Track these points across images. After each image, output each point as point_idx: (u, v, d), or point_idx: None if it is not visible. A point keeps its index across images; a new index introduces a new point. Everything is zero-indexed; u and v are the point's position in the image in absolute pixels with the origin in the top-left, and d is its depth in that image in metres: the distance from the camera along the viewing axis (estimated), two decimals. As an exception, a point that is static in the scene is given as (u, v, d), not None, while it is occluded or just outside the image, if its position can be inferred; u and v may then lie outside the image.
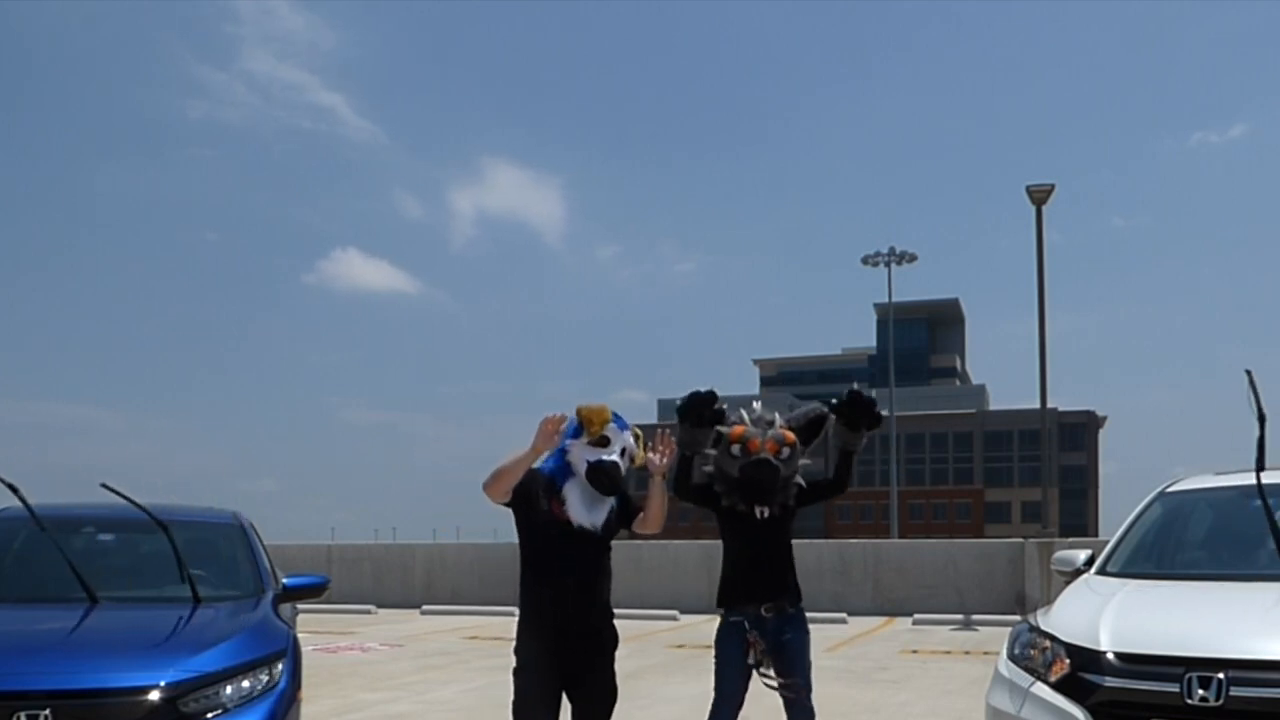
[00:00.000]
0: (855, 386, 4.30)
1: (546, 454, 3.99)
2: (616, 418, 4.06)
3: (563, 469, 4.00)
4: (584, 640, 3.97)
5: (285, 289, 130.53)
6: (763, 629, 4.12)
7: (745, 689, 4.16)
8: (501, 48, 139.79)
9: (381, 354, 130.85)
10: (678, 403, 4.19)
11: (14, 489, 4.84)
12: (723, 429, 4.19)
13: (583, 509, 3.96)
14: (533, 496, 3.98)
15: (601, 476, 3.93)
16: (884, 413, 4.36)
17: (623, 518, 4.12)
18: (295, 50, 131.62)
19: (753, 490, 4.10)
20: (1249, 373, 4.48)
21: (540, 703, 3.96)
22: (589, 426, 3.98)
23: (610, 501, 4.04)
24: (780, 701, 4.19)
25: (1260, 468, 4.49)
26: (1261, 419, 4.43)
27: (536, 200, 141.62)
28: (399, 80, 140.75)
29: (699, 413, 4.11)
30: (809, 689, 4.16)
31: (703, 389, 4.14)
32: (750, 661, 4.11)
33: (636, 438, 4.10)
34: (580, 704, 4.04)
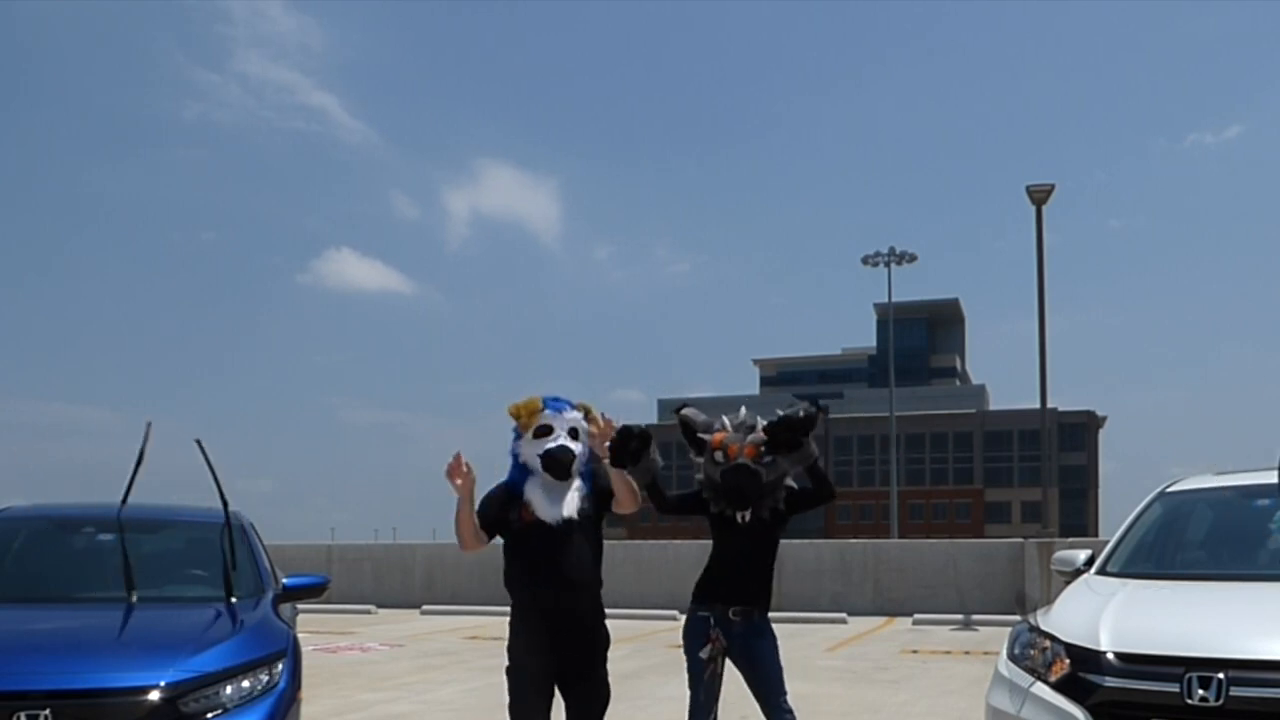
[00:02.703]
0: (764, 424, 4.15)
1: (462, 488, 3.96)
2: (553, 401, 4.04)
3: (521, 473, 4.01)
4: (576, 638, 3.97)
5: (280, 289, 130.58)
6: (728, 630, 4.14)
7: (720, 681, 4.19)
8: (495, 48, 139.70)
9: (378, 354, 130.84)
10: (605, 460, 4.03)
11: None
12: (705, 436, 4.20)
13: (546, 504, 3.95)
14: (504, 516, 4.00)
15: (553, 464, 3.93)
16: (806, 410, 4.13)
17: (599, 502, 4.07)
18: (287, 52, 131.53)
19: (732, 495, 4.11)
20: None
21: (533, 702, 3.96)
22: (519, 423, 4.00)
23: (577, 490, 3.99)
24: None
25: None
26: None
27: (531, 201, 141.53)
28: (392, 81, 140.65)
29: (628, 453, 3.97)
30: (784, 691, 4.18)
31: (615, 434, 3.96)
32: (704, 655, 4.13)
33: (587, 412, 4.06)
34: (574, 704, 4.03)
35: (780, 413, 4.15)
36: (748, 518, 4.15)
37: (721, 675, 4.20)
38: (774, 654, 4.20)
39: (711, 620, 4.16)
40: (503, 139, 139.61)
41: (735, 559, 4.20)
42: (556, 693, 4.05)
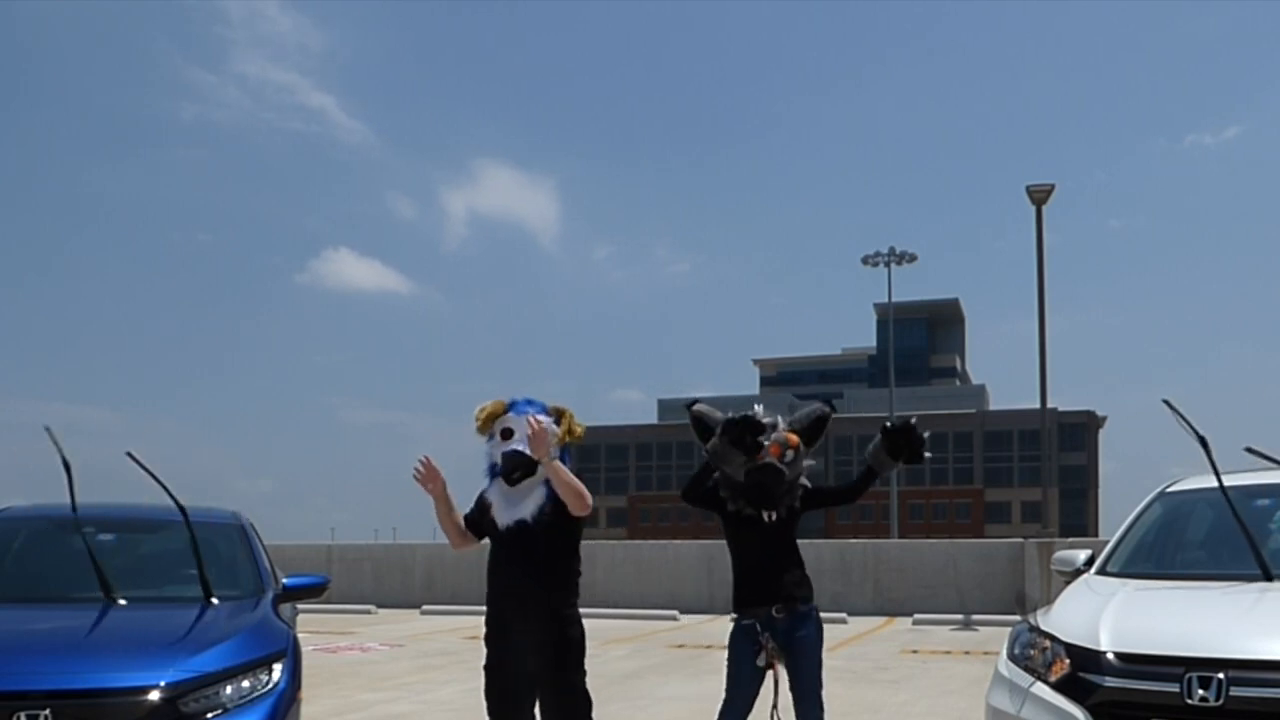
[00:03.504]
0: (914, 419, 4.31)
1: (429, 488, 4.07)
2: (522, 404, 4.02)
3: (490, 475, 4.04)
4: (531, 643, 3.92)
5: (279, 289, 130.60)
6: (774, 630, 4.12)
7: (756, 693, 4.18)
8: (493, 48, 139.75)
9: (378, 354, 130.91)
10: (730, 414, 4.10)
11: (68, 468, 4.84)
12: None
13: (503, 507, 3.97)
14: (481, 518, 4.05)
15: (507, 467, 3.94)
16: (928, 454, 4.34)
17: (562, 506, 3.96)
18: (285, 52, 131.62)
19: (759, 494, 4.09)
20: (1167, 403, 4.63)
21: (497, 702, 3.99)
22: (478, 425, 4.02)
23: (539, 493, 3.95)
24: (786, 700, 4.20)
25: (1220, 483, 4.60)
26: (1201, 441, 4.59)
27: (530, 201, 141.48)
28: (390, 82, 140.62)
29: (743, 435, 4.03)
30: (820, 685, 4.17)
31: (760, 417, 4.09)
32: (760, 664, 4.12)
33: (560, 415, 4.03)
34: (545, 711, 4.00)
35: (914, 420, 4.31)
36: (774, 517, 4.15)
37: (761, 682, 4.19)
38: (815, 649, 4.18)
39: (758, 627, 4.13)
40: (501, 139, 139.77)
41: (759, 559, 4.19)
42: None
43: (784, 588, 4.15)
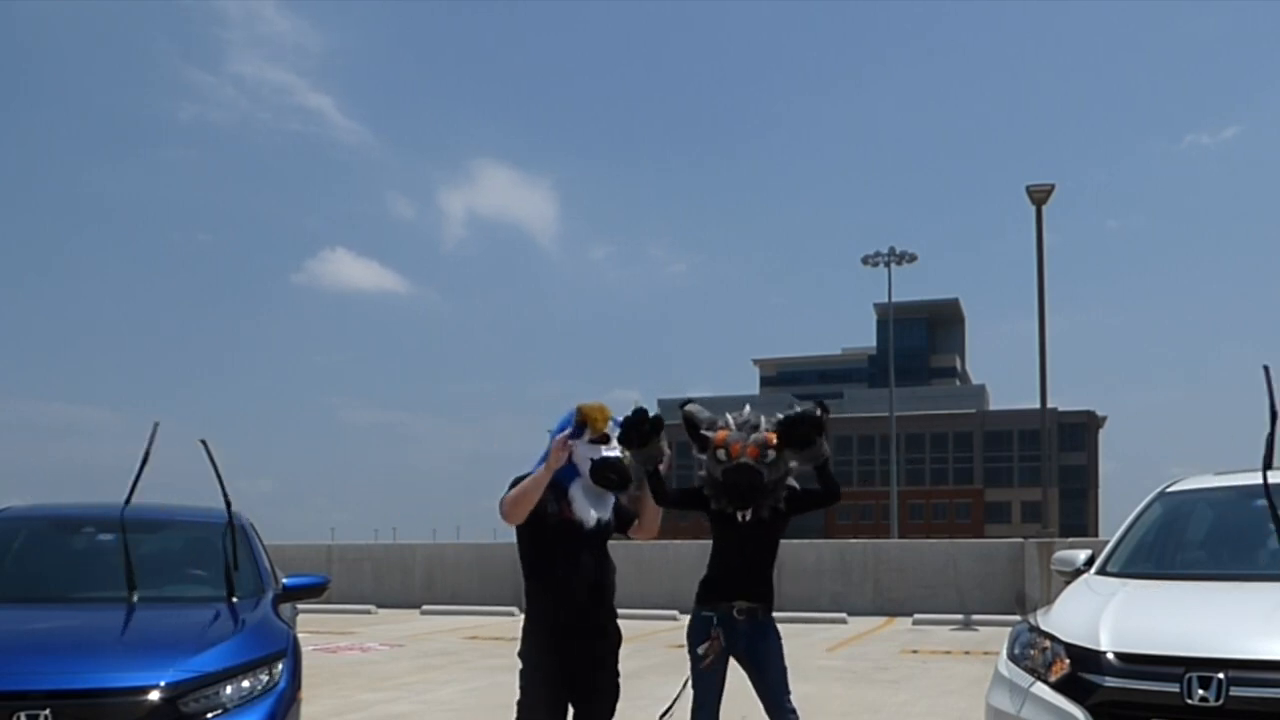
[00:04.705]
0: (781, 416, 4.14)
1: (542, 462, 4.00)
2: (614, 421, 4.07)
3: (566, 469, 3.99)
4: (591, 639, 4.00)
5: (279, 289, 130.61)
6: (732, 629, 4.13)
7: (721, 683, 4.19)
8: (492, 48, 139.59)
9: (378, 354, 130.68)
10: (617, 433, 4.09)
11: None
12: (708, 434, 4.18)
13: (588, 507, 4.00)
14: (543, 503, 3.99)
15: (609, 472, 3.94)
16: (816, 412, 4.10)
17: (618, 523, 4.16)
18: (283, 53, 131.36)
19: (733, 493, 4.10)
20: (1266, 369, 4.43)
21: (548, 703, 3.98)
22: (593, 424, 3.99)
23: (610, 500, 4.08)
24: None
25: (1268, 465, 4.48)
26: (1274, 415, 4.38)
27: (528, 201, 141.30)
28: (388, 82, 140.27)
29: (638, 435, 4.02)
30: (787, 693, 4.19)
31: (630, 412, 4.04)
32: (700, 653, 4.12)
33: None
34: (584, 703, 4.05)
35: (797, 408, 4.14)
36: (748, 517, 4.15)
37: (724, 675, 4.20)
38: (779, 654, 4.20)
39: (714, 620, 4.15)
40: (499, 139, 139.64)
41: (735, 558, 4.20)
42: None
43: (750, 591, 4.17)
